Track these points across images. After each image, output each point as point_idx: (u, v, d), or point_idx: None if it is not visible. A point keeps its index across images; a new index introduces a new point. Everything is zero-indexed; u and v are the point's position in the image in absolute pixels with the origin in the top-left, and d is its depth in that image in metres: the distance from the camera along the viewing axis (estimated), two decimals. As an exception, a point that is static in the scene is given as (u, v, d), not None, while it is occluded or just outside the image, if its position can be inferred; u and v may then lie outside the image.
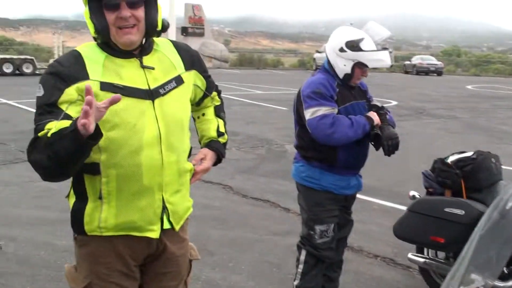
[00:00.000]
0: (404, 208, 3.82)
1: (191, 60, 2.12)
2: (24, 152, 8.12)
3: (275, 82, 24.70)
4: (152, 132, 1.89)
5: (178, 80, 2.02)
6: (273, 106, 14.99)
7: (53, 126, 1.71)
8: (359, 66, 3.12)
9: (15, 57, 26.92)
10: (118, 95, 1.64)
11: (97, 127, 1.62)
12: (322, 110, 3.06)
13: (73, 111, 1.81)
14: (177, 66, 2.05)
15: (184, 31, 36.59)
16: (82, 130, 1.56)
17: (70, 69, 1.84)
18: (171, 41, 2.13)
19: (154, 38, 2.02)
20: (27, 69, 25.25)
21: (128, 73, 1.90)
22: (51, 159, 1.68)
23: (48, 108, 1.80)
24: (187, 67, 2.09)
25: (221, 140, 2.27)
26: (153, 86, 1.93)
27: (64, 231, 4.43)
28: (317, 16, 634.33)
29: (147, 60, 1.95)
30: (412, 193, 3.73)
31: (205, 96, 2.26)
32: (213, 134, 2.27)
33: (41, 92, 1.84)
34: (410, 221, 3.50)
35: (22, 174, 6.69)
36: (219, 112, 2.35)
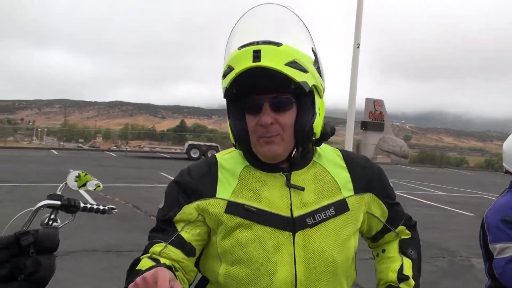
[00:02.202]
0: None
1: (368, 179, 1.56)
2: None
3: (459, 182, 22.94)
4: (285, 276, 1.38)
5: (340, 206, 1.48)
6: (457, 210, 13.60)
7: (159, 250, 1.37)
8: None
9: (202, 143, 29.47)
10: None
11: None
12: None
13: (189, 233, 1.42)
14: (343, 186, 1.51)
15: (363, 125, 36.94)
16: None
17: (198, 181, 1.46)
18: (342, 151, 1.61)
19: (317, 148, 1.55)
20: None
21: (268, 192, 1.44)
22: None
23: (162, 225, 1.44)
24: (359, 189, 1.53)
25: (403, 287, 1.58)
26: (298, 213, 1.42)
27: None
28: (507, 114, 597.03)
29: (298, 176, 1.47)
30: None
31: (385, 230, 1.65)
32: (392, 277, 1.60)
33: (161, 204, 1.49)
34: None
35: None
36: (405, 247, 1.67)
